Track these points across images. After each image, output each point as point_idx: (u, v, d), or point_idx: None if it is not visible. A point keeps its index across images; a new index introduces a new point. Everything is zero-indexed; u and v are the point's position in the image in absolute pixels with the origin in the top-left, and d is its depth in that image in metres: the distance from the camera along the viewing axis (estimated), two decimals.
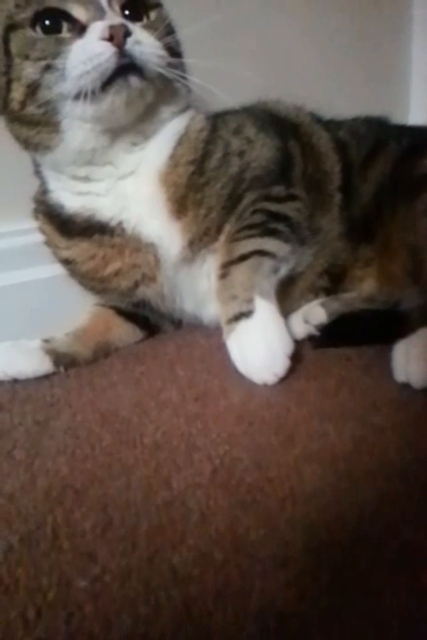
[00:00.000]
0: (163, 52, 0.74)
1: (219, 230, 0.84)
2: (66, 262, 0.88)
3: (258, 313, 0.74)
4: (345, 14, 1.51)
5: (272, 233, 0.82)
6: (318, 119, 0.99)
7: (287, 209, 0.85)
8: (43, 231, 0.88)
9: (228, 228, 0.83)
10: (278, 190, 0.86)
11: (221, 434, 0.63)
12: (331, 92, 0.97)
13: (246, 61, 1.23)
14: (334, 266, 0.91)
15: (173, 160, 0.81)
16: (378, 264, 0.90)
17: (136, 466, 0.58)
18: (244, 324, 0.74)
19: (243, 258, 0.79)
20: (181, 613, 0.41)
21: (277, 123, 0.93)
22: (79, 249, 0.84)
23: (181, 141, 0.82)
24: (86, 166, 0.79)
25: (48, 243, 0.88)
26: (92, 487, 0.55)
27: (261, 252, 0.80)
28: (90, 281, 0.88)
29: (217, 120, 0.83)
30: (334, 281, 0.91)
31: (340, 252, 0.91)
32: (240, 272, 0.78)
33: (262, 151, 0.86)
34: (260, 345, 0.72)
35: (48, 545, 0.48)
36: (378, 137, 0.95)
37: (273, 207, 0.84)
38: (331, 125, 0.99)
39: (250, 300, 0.75)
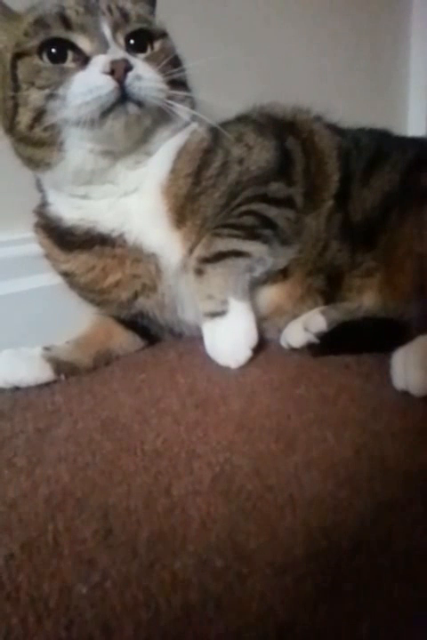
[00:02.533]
0: (162, 86, 0.76)
1: None
2: (65, 275, 0.89)
3: (231, 313, 0.82)
4: (344, 23, 1.53)
5: (256, 237, 0.84)
6: (318, 118, 0.99)
7: (279, 216, 0.86)
8: (42, 245, 0.89)
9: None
10: (277, 187, 0.86)
11: (221, 441, 0.63)
12: (330, 101, 0.98)
13: (245, 70, 1.24)
14: (330, 267, 0.90)
15: (174, 174, 0.83)
16: (382, 275, 0.89)
17: (137, 473, 0.59)
18: (218, 320, 0.82)
19: (219, 256, 0.82)
20: (182, 620, 0.42)
21: (274, 123, 0.94)
22: (78, 261, 0.85)
23: (180, 155, 0.83)
24: (85, 186, 0.81)
25: (47, 256, 0.89)
26: (92, 494, 0.55)
27: (237, 253, 0.82)
28: (89, 293, 0.89)
29: (219, 130, 0.84)
30: (331, 284, 0.91)
31: (335, 251, 0.90)
32: (216, 273, 0.82)
33: (261, 154, 0.87)
34: (228, 338, 0.82)
35: (49, 552, 0.48)
36: (380, 146, 0.96)
37: (269, 212, 0.85)
38: (337, 130, 0.99)
39: (224, 302, 0.81)
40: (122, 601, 0.43)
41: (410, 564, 0.46)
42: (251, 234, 0.83)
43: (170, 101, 0.77)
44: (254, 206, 0.85)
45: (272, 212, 0.85)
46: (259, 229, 0.84)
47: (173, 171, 0.83)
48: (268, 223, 0.85)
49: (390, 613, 0.42)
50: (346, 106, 0.95)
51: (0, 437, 0.67)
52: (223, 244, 0.82)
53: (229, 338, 0.81)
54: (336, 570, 0.46)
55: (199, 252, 0.83)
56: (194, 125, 0.84)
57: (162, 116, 0.79)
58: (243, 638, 0.40)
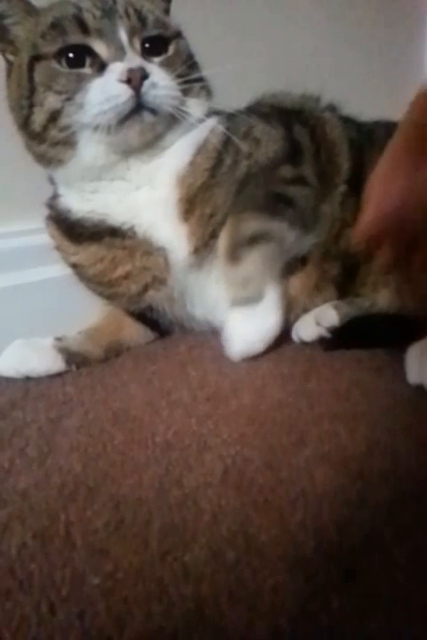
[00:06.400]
0: (177, 93, 0.77)
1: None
2: (74, 267, 0.89)
3: (265, 302, 0.80)
4: (358, 17, 1.51)
5: (278, 213, 0.83)
6: (332, 108, 0.98)
7: (293, 191, 0.85)
8: (52, 236, 0.90)
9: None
10: (285, 171, 0.85)
11: (232, 434, 0.63)
12: (342, 95, 0.97)
13: (256, 63, 1.23)
14: (346, 255, 0.89)
15: (193, 166, 0.82)
16: (400, 273, 0.85)
17: (148, 464, 0.59)
18: (249, 309, 0.80)
19: (252, 240, 0.80)
20: (194, 612, 0.42)
21: (280, 113, 0.93)
22: (87, 253, 0.85)
23: (199, 151, 0.83)
24: (95, 182, 0.81)
25: (58, 248, 0.90)
26: (104, 485, 0.56)
27: (268, 236, 0.81)
28: (98, 285, 0.89)
29: (230, 126, 0.84)
30: (346, 275, 0.89)
31: (350, 239, 0.87)
32: (252, 260, 0.80)
33: (269, 146, 0.86)
34: (255, 328, 0.80)
35: (61, 542, 0.49)
36: None
37: (277, 188, 0.84)
38: (350, 122, 0.97)
39: (261, 286, 0.80)
40: (134, 592, 0.43)
41: (424, 561, 0.45)
42: (271, 208, 0.82)
43: (183, 107, 0.78)
44: (270, 187, 0.84)
45: (281, 188, 0.84)
46: (276, 204, 0.83)
47: (192, 163, 0.82)
48: (281, 198, 0.83)
49: (402, 610, 0.41)
50: (359, 97, 0.94)
51: (12, 427, 0.68)
52: (251, 225, 0.81)
53: (256, 327, 0.80)
54: (348, 565, 0.46)
55: (230, 238, 0.81)
56: (212, 122, 0.84)
57: (175, 119, 0.79)
58: (255, 631, 0.40)
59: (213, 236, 0.83)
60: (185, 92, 0.80)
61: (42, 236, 0.91)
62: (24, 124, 0.78)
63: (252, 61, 1.19)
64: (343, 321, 0.84)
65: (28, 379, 0.80)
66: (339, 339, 0.83)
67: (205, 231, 0.83)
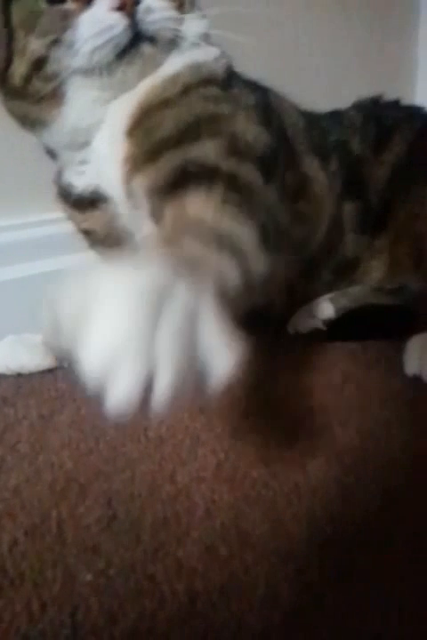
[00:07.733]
0: (174, 13, 0.69)
1: None
2: (86, 233, 0.83)
3: None
4: (350, 11, 1.51)
5: None
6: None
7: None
8: (64, 211, 0.83)
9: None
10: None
11: (225, 428, 0.63)
12: (335, 90, 0.96)
13: (252, 61, 1.22)
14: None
15: (168, 81, 0.70)
16: (388, 251, 0.84)
17: (140, 460, 0.58)
18: None
19: None
20: (186, 607, 0.41)
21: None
22: (94, 218, 0.79)
23: (186, 68, 0.70)
24: (82, 150, 0.73)
25: (69, 218, 0.83)
26: (96, 481, 0.55)
27: None
28: (109, 247, 0.80)
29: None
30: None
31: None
32: None
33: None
34: None
35: (53, 538, 0.48)
36: (385, 118, 0.90)
37: None
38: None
39: None
40: (126, 588, 0.43)
41: (418, 553, 0.45)
42: None
43: (181, 28, 0.69)
44: None
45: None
46: None
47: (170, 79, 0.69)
48: None
49: (396, 602, 0.41)
50: (352, 92, 0.93)
51: (3, 423, 0.67)
52: None
53: None
54: (342, 558, 0.45)
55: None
56: (218, 51, 0.75)
57: (174, 44, 0.70)
58: (247, 626, 0.40)
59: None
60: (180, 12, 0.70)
61: (34, 231, 0.90)
62: (1, 79, 0.69)
63: (246, 59, 1.19)
64: (339, 313, 0.83)
65: (19, 375, 0.79)
66: (335, 331, 0.83)
67: (144, 142, 0.66)
